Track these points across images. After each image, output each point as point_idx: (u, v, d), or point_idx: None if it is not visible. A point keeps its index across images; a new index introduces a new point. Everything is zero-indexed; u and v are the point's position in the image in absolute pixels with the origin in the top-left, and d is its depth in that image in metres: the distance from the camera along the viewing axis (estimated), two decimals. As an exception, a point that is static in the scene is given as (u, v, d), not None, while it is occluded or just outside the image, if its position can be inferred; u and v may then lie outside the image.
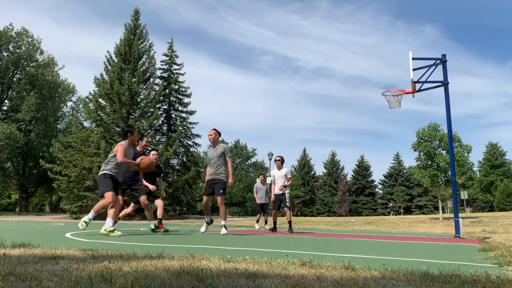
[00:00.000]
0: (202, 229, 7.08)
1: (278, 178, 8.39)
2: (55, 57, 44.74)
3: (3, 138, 30.68)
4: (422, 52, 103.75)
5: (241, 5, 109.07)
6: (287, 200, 8.33)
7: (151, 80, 26.24)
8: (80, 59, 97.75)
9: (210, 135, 7.00)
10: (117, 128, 23.84)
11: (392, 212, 56.22)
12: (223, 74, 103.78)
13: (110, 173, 5.80)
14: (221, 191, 6.71)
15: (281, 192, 8.32)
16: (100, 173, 5.88)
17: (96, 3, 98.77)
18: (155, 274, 2.08)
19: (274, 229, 8.59)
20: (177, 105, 28.44)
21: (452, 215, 28.06)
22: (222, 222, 6.79)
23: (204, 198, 6.88)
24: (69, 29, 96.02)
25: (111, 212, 5.84)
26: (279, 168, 8.51)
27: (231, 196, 47.54)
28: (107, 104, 24.36)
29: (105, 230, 5.70)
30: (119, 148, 5.89)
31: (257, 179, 11.88)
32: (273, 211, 8.59)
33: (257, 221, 11.70)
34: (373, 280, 2.05)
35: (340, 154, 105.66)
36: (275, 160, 8.59)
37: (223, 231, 6.64)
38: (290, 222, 8.45)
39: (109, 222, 5.80)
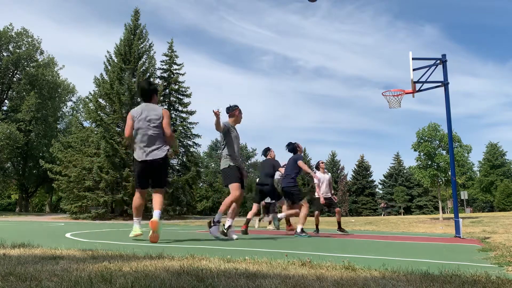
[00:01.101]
0: (235, 236, 5.47)
1: (324, 181, 8.65)
2: (55, 57, 44.79)
3: (3, 138, 30.68)
4: (422, 52, 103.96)
5: (241, 5, 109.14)
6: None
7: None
8: (80, 59, 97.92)
9: (241, 113, 5.94)
10: (117, 128, 23.84)
11: (383, 213, 56.09)
12: (223, 74, 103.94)
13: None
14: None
15: (330, 196, 8.67)
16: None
17: (96, 3, 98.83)
18: (155, 274, 2.08)
19: (317, 230, 8.62)
20: (177, 105, 28.45)
21: (452, 215, 28.06)
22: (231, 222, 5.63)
23: (240, 189, 5.43)
24: (69, 29, 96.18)
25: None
26: (323, 172, 8.72)
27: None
28: (107, 104, 24.36)
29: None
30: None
31: None
32: (316, 212, 8.67)
33: (259, 220, 11.58)
34: (373, 280, 2.05)
35: (340, 154, 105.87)
36: (321, 162, 8.80)
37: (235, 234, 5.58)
38: (340, 222, 8.79)
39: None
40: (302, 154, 7.47)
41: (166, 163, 4.80)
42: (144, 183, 4.83)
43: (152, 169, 4.72)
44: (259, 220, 11.54)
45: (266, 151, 8.33)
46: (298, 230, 6.88)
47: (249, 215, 7.87)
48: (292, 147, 7.32)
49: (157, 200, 4.72)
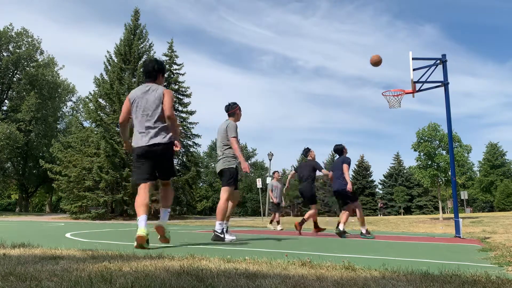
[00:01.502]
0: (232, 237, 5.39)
1: None
2: (55, 57, 44.76)
3: (3, 138, 30.68)
4: (422, 52, 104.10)
5: (241, 5, 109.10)
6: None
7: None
8: (80, 59, 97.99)
9: (241, 110, 5.84)
10: (117, 128, 23.83)
11: (380, 213, 56.03)
12: (222, 74, 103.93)
13: None
14: None
15: None
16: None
17: (96, 3, 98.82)
18: (155, 274, 2.07)
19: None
20: (177, 105, 28.44)
21: (452, 215, 28.06)
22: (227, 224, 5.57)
23: (237, 193, 5.55)
24: (69, 29, 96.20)
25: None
26: None
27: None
28: (107, 104, 24.37)
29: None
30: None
31: (269, 178, 11.64)
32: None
33: (271, 222, 11.46)
34: (373, 280, 2.05)
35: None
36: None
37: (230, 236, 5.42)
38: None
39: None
40: (348, 155, 7.33)
41: (171, 148, 4.12)
42: (147, 175, 4.03)
43: (156, 156, 4.03)
44: (270, 223, 11.49)
45: (307, 152, 7.99)
46: (364, 231, 6.96)
47: (312, 217, 7.74)
48: (337, 149, 7.30)
49: (165, 194, 4.25)
